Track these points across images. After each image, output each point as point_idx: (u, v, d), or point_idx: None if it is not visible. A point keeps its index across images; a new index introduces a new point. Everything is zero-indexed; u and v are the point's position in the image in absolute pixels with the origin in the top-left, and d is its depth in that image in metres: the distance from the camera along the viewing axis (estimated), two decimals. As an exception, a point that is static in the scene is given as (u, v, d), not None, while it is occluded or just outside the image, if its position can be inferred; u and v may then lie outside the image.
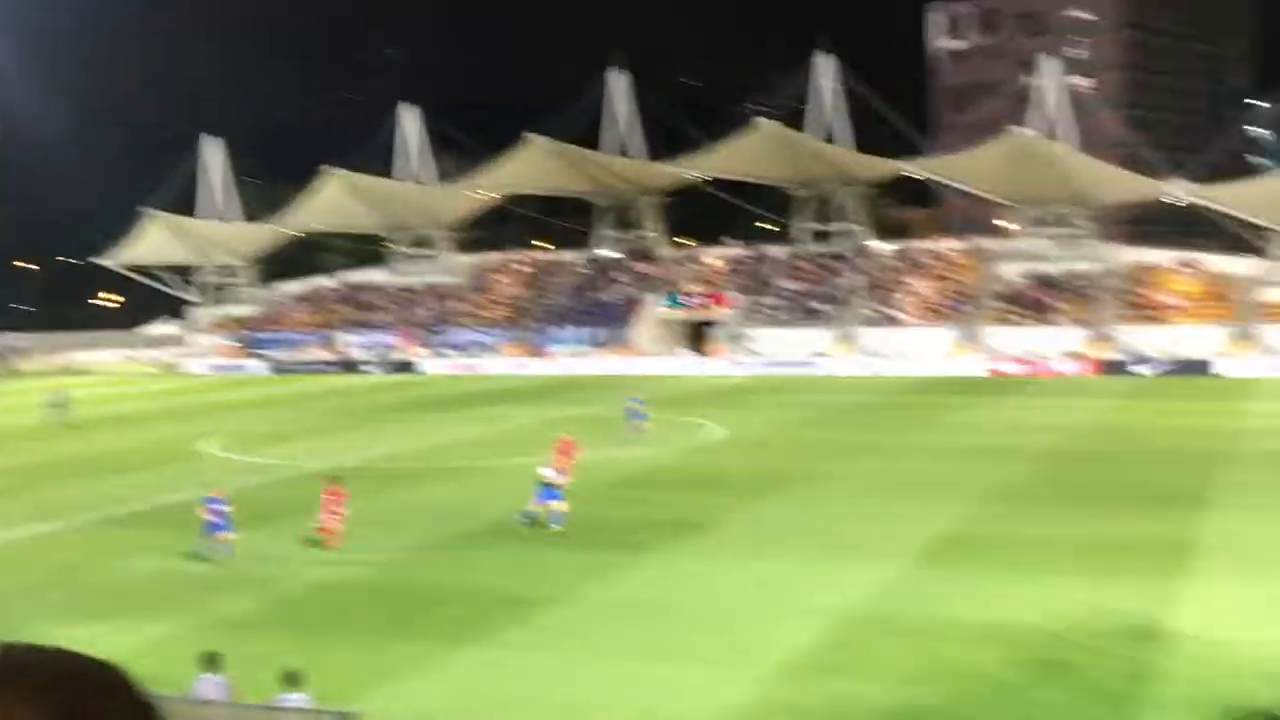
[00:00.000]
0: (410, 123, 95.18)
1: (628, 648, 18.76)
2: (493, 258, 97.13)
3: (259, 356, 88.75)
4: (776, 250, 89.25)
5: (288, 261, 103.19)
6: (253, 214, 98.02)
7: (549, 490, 27.50)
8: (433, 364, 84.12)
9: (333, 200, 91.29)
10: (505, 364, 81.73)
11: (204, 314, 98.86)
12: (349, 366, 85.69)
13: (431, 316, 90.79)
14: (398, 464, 38.81)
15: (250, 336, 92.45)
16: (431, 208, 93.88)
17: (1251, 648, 17.98)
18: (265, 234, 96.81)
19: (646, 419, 44.45)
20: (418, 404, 60.04)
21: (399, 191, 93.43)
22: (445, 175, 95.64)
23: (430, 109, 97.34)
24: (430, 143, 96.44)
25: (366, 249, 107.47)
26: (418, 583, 22.89)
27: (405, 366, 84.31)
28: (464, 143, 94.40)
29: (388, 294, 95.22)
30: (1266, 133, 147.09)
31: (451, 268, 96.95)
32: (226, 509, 24.65)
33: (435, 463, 38.85)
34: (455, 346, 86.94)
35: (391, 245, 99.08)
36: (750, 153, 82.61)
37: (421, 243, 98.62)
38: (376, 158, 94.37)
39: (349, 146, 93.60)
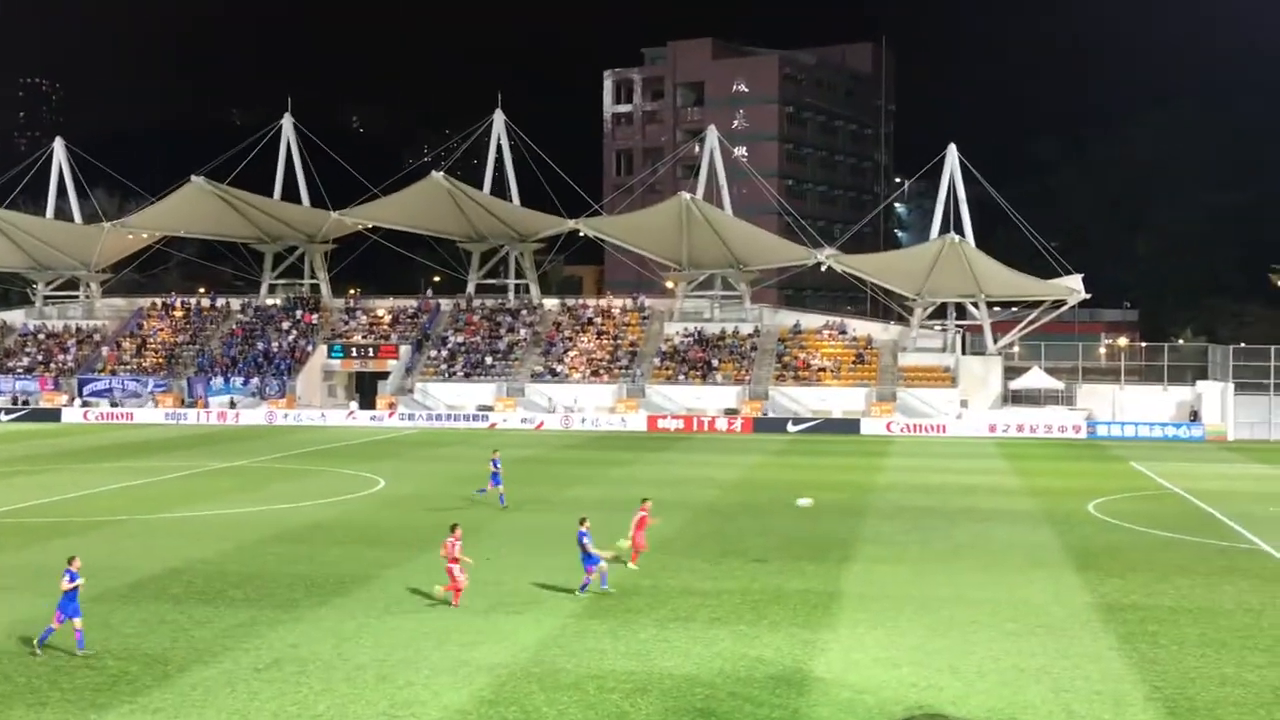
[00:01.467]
0: (62, 157, 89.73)
1: (280, 708, 18.08)
2: (146, 302, 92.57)
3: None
4: (446, 303, 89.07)
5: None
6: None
7: (590, 558, 25.61)
8: (76, 412, 79.25)
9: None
10: (157, 414, 77.94)
11: None
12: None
13: (76, 362, 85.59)
14: (33, 518, 36.18)
15: None
16: (80, 247, 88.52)
17: (882, 690, 19.12)
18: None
19: (500, 482, 39.13)
20: (57, 454, 56.34)
21: (44, 229, 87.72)
22: (100, 214, 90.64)
23: (87, 144, 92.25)
24: (84, 180, 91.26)
25: (5, 289, 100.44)
26: (51, 644, 21.31)
27: (45, 414, 79.08)
28: (121, 181, 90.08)
29: (28, 337, 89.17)
30: (904, 208, 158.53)
31: (100, 311, 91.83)
32: None
33: (75, 517, 36.46)
34: (102, 394, 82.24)
35: (34, 285, 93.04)
36: (422, 205, 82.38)
37: (69, 284, 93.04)
38: (23, 192, 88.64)
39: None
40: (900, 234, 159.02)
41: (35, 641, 21.19)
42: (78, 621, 20.93)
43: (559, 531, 34.14)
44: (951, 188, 78.72)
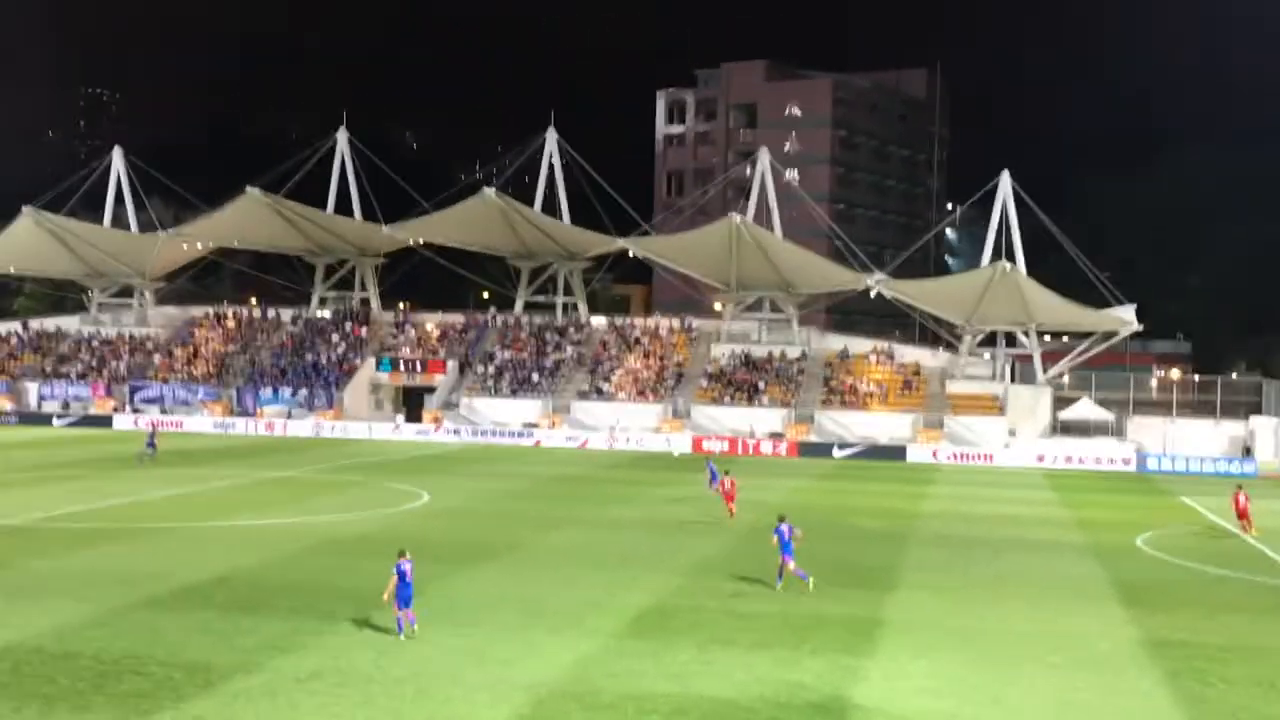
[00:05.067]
0: (120, 166, 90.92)
1: (319, 719, 18.17)
2: (198, 311, 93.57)
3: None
4: (494, 320, 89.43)
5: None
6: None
7: (786, 545, 28.43)
8: (127, 418, 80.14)
9: (26, 241, 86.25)
10: (206, 422, 78.65)
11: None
12: (34, 418, 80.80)
13: (129, 369, 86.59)
14: (83, 523, 36.62)
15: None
16: (136, 256, 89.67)
17: (927, 719, 18.92)
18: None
19: (718, 480, 44.30)
20: (109, 460, 56.97)
21: (101, 237, 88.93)
22: (156, 223, 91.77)
23: (145, 154, 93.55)
24: (142, 189, 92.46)
25: (62, 295, 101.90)
26: (96, 650, 21.55)
27: (97, 420, 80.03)
28: (178, 191, 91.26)
29: (82, 343, 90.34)
30: (955, 235, 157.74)
31: (153, 319, 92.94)
32: None
33: (125, 523, 36.85)
34: (152, 401, 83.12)
35: (90, 292, 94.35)
36: (473, 221, 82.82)
37: (124, 292, 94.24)
38: (82, 201, 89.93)
39: (52, 187, 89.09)
40: (951, 260, 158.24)
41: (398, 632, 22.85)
42: (408, 612, 22.85)
43: (599, 550, 34.17)
44: (1004, 215, 78.20)
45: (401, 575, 22.98)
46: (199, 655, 21.50)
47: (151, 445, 56.86)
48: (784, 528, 28.77)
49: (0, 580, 27.51)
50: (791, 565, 28.47)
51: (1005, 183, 78.32)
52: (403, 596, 22.99)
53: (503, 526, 38.82)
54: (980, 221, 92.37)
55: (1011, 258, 75.74)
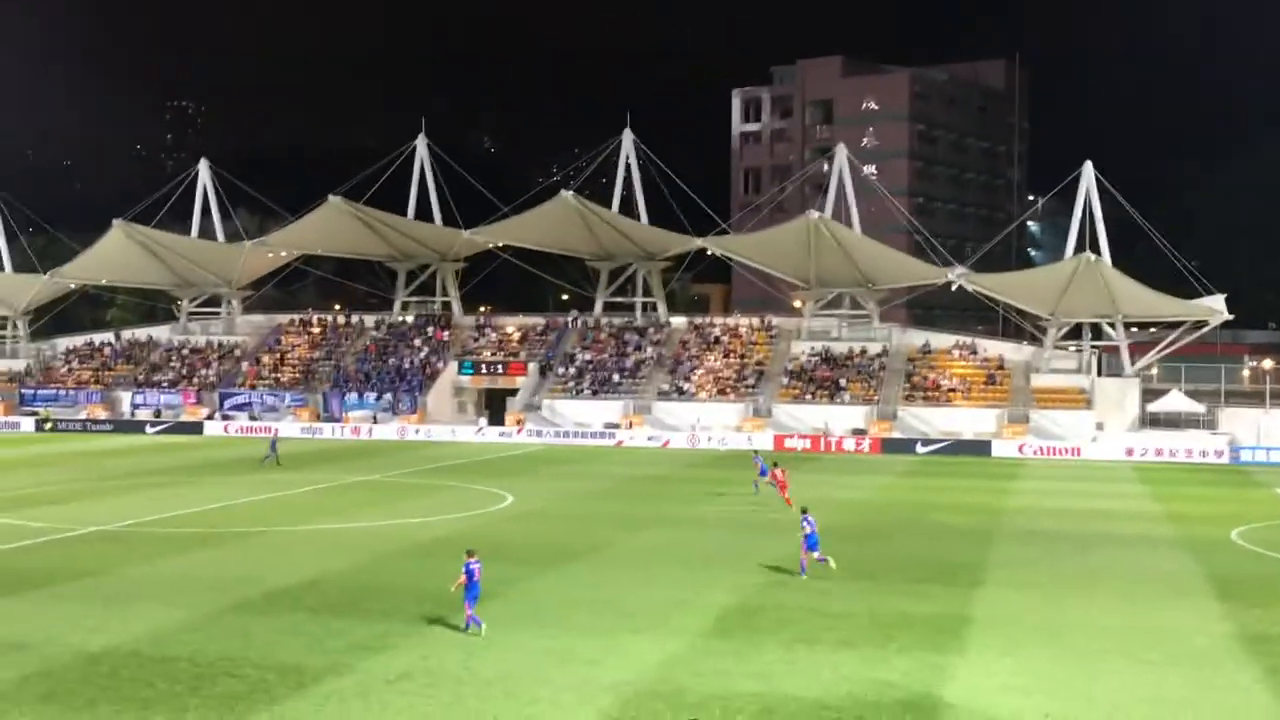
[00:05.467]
0: (207, 178, 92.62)
1: (409, 719, 18.38)
2: (284, 318, 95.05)
3: (31, 413, 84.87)
4: (574, 321, 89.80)
5: (65, 315, 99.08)
6: (32, 264, 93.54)
7: (811, 539, 29.72)
8: (217, 425, 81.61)
9: (117, 253, 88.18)
10: (294, 427, 79.84)
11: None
12: (128, 425, 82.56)
13: (218, 376, 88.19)
14: (175, 529, 37.38)
15: (21, 392, 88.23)
16: (223, 265, 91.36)
17: (1018, 717, 18.72)
18: (40, 285, 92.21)
19: (765, 474, 45.70)
20: (199, 466, 58.08)
21: (189, 247, 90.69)
22: (241, 233, 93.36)
23: (230, 165, 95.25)
24: (227, 199, 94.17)
25: (152, 305, 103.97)
26: (191, 653, 21.99)
27: (188, 427, 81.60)
28: (262, 200, 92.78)
29: (172, 352, 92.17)
30: (1037, 227, 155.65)
31: (241, 327, 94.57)
32: None
33: (215, 528, 37.55)
34: (241, 408, 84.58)
35: (179, 302, 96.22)
36: (551, 223, 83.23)
37: (211, 301, 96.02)
38: (170, 212, 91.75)
39: (141, 199, 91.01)
40: (1033, 253, 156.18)
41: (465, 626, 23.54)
42: (472, 607, 23.59)
43: (682, 550, 34.19)
44: (1087, 205, 76.97)
45: (470, 575, 23.37)
46: (291, 657, 21.86)
47: (274, 450, 59.12)
48: (809, 519, 30.08)
49: (97, 586, 28.17)
50: (816, 555, 29.78)
51: (1088, 172, 77.08)
52: (470, 595, 23.35)
53: (586, 527, 39.00)
54: (1063, 212, 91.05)
55: (1096, 249, 74.55)
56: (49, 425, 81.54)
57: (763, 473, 46.11)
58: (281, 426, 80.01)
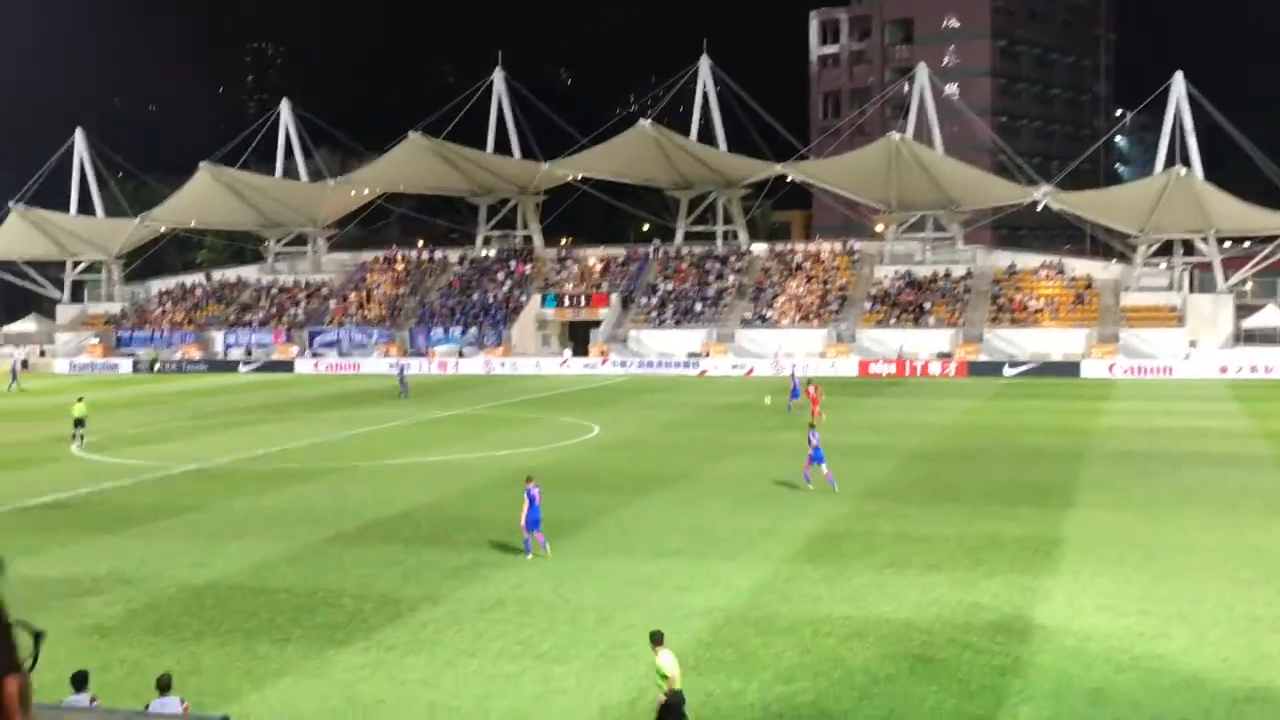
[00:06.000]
0: (289, 119, 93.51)
1: (504, 648, 18.74)
2: (369, 256, 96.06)
3: (128, 355, 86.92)
4: (656, 251, 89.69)
5: (157, 258, 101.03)
6: (123, 209, 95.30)
7: (817, 452, 30.98)
8: (307, 363, 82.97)
9: (204, 196, 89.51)
10: (381, 364, 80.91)
11: (69, 311, 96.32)
12: (221, 365, 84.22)
13: (306, 315, 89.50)
14: (270, 465, 38.21)
15: (118, 335, 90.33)
16: (307, 204, 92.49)
17: (1108, 638, 18.65)
18: (132, 229, 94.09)
19: (798, 395, 48.53)
20: (291, 404, 59.17)
21: (274, 187, 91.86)
22: (324, 172, 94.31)
23: (310, 105, 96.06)
24: (309, 139, 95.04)
25: (240, 246, 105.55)
26: (291, 584, 22.58)
27: (279, 365, 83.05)
28: (343, 140, 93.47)
29: (261, 292, 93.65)
30: (1125, 142, 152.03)
31: (327, 265, 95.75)
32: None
33: (309, 463, 38.33)
34: (331, 345, 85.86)
35: (266, 242, 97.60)
36: (630, 154, 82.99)
37: (297, 240, 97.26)
38: (254, 153, 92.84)
39: (226, 141, 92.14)
40: (1121, 169, 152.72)
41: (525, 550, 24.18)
42: (537, 534, 24.22)
43: (770, 477, 34.28)
44: (1178, 119, 75.04)
45: (531, 499, 23.88)
46: (387, 588, 22.35)
47: (403, 383, 61.56)
48: (815, 434, 31.69)
49: (200, 521, 28.94)
50: (824, 469, 30.92)
51: (1179, 84, 75.05)
52: (532, 519, 24.00)
53: (672, 456, 39.23)
54: (1152, 127, 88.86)
55: (1187, 162, 72.78)
56: (157, 366, 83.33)
57: (794, 394, 47.19)
58: (369, 364, 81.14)
